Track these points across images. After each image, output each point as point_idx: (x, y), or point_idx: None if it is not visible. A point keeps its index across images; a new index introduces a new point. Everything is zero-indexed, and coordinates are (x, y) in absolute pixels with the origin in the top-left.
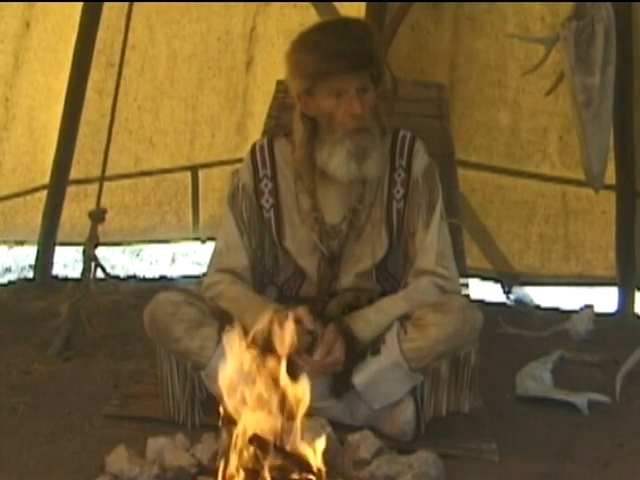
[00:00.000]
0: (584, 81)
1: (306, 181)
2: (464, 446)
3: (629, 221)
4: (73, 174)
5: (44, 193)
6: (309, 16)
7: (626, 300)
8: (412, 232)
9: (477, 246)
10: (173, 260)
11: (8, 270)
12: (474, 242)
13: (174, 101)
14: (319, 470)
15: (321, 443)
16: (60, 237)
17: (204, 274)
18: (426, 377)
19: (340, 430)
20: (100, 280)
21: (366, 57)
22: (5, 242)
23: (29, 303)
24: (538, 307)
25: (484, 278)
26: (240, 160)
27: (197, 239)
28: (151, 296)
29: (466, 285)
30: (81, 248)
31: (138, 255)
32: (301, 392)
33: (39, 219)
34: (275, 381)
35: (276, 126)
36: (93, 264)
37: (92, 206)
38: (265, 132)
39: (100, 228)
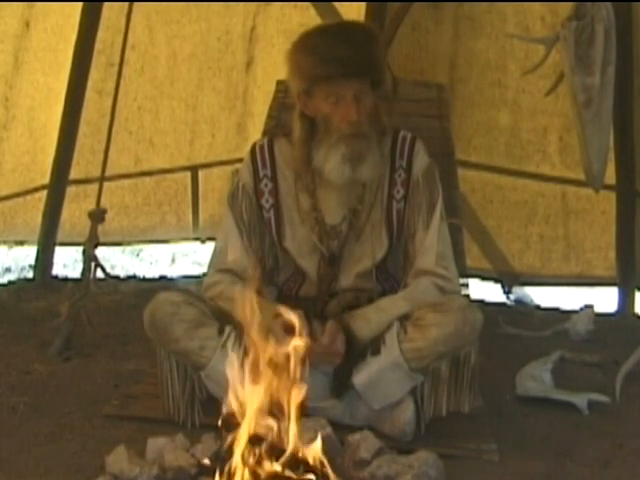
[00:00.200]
0: (584, 81)
1: (305, 180)
2: (464, 446)
3: (629, 221)
4: (73, 174)
5: (44, 193)
6: (309, 16)
7: (626, 300)
8: (412, 232)
9: (477, 246)
10: (173, 260)
11: (8, 270)
12: (474, 242)
13: (174, 101)
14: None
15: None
16: (60, 237)
17: (204, 274)
18: (426, 377)
19: (340, 430)
20: (100, 280)
21: (365, 64)
22: (5, 242)
23: (29, 303)
24: (538, 307)
25: (484, 278)
26: (240, 160)
27: (197, 239)
28: (151, 296)
29: (466, 285)
30: (81, 248)
31: (138, 255)
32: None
33: (39, 219)
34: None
35: (276, 126)
36: (93, 264)
37: (92, 206)
38: (265, 132)
39: (100, 228)
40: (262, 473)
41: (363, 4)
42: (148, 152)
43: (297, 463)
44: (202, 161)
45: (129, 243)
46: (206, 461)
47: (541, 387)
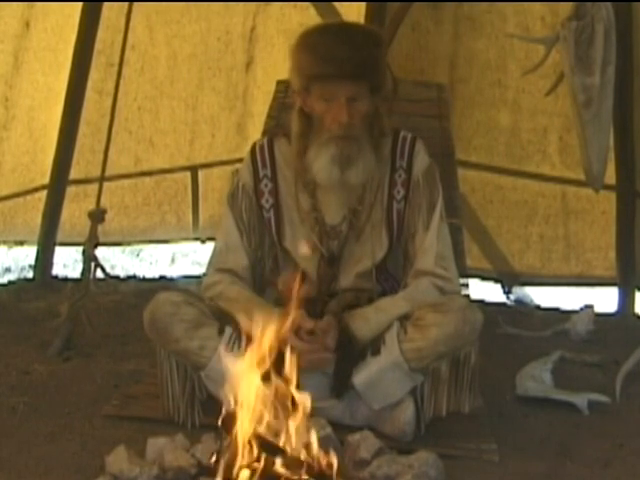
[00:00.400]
0: (584, 81)
1: (305, 180)
2: (464, 446)
3: (629, 221)
4: (73, 174)
5: (44, 193)
6: (309, 16)
7: (626, 300)
8: (412, 233)
9: (477, 246)
10: (173, 260)
11: (8, 270)
12: (474, 242)
13: (174, 101)
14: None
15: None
16: (60, 237)
17: (204, 274)
18: (426, 377)
19: (340, 430)
20: (100, 280)
21: (362, 67)
22: (5, 242)
23: (29, 303)
24: (538, 307)
25: (484, 278)
26: (240, 160)
27: (197, 239)
28: (151, 296)
29: (466, 285)
30: (81, 248)
31: (138, 255)
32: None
33: (39, 219)
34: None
35: (276, 126)
36: (93, 264)
37: (92, 206)
38: (265, 132)
39: (100, 228)
40: (262, 473)
41: (363, 4)
42: (148, 152)
43: (298, 464)
44: (202, 161)
45: (129, 243)
46: (206, 461)
47: (541, 387)
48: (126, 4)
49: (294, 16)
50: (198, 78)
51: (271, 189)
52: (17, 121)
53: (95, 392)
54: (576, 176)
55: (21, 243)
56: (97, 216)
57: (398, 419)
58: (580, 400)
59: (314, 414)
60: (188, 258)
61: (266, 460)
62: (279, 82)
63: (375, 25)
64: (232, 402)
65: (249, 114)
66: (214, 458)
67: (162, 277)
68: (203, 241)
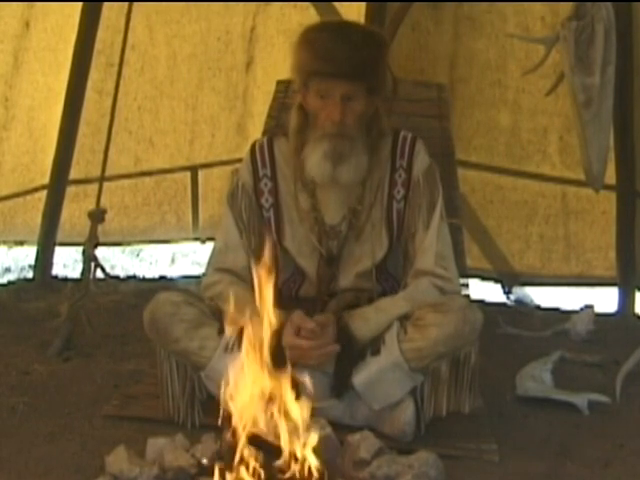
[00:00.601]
0: (584, 81)
1: (305, 179)
2: (464, 446)
3: (629, 221)
4: (73, 174)
5: (44, 193)
6: (309, 16)
7: (626, 300)
8: (412, 232)
9: (477, 246)
10: (173, 260)
11: (8, 270)
12: (474, 242)
13: (174, 101)
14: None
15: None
16: (60, 237)
17: (203, 274)
18: (426, 377)
19: (340, 430)
20: (100, 280)
21: (359, 66)
22: (5, 242)
23: (29, 303)
24: (538, 307)
25: (484, 278)
26: (240, 160)
27: (197, 239)
28: (151, 296)
29: (466, 285)
30: (81, 248)
31: (138, 255)
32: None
33: (39, 219)
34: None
35: (276, 126)
36: (93, 264)
37: (92, 206)
38: (265, 132)
39: (100, 228)
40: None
41: (363, 4)
42: (148, 152)
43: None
44: (202, 161)
45: (129, 243)
46: (206, 461)
47: (541, 387)
48: (126, 4)
49: (294, 16)
50: (198, 78)
51: (271, 188)
52: (17, 121)
53: (95, 392)
54: (576, 176)
55: (21, 243)
56: (97, 216)
57: (398, 419)
58: (580, 400)
59: (314, 414)
60: (188, 258)
61: (265, 460)
62: (279, 82)
63: (375, 25)
64: (231, 402)
65: (249, 114)
66: (208, 459)
67: (162, 277)
68: (203, 241)
